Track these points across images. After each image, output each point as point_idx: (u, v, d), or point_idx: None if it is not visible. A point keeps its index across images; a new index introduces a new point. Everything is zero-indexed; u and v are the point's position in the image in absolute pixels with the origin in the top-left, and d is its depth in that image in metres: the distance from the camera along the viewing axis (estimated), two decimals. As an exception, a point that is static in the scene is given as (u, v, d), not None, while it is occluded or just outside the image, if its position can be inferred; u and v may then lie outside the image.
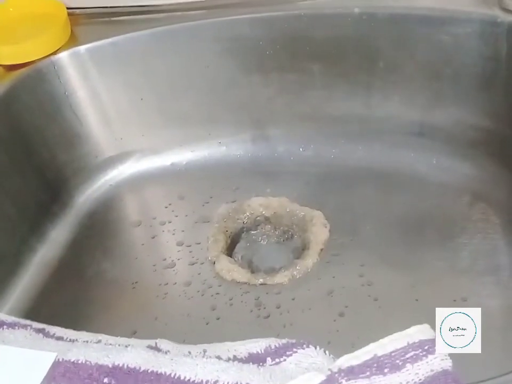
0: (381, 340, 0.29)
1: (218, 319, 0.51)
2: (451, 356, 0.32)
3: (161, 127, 0.65)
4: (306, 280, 0.53)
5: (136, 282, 0.55)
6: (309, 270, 0.54)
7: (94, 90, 0.61)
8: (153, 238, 0.60)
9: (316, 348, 0.31)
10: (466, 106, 0.57)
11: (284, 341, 0.31)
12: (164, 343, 0.34)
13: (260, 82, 0.62)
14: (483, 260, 0.51)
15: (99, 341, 0.34)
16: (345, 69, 0.59)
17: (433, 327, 0.46)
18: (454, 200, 0.58)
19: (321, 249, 0.56)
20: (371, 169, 0.62)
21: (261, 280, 0.54)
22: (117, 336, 0.49)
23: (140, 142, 0.66)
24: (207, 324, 0.51)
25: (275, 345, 0.31)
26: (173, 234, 0.60)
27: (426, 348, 0.28)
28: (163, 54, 0.61)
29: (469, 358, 0.44)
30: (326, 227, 0.58)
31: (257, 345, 0.31)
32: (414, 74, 0.57)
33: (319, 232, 0.57)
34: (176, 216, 0.62)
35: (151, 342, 0.34)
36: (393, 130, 0.61)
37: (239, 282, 0.54)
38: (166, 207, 0.63)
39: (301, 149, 0.65)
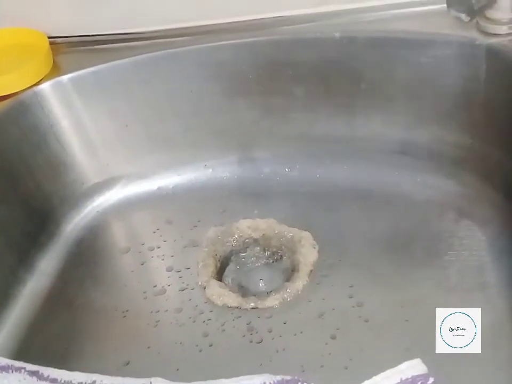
0: (374, 377, 0.29)
1: (211, 345, 0.51)
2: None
3: (147, 152, 0.66)
4: (297, 303, 0.53)
5: (127, 311, 0.55)
6: (299, 293, 0.54)
7: (78, 119, 0.61)
8: (142, 264, 0.60)
9: (311, 386, 0.31)
10: (447, 125, 0.58)
11: (279, 377, 0.31)
12: (158, 382, 0.34)
13: (244, 106, 0.62)
14: (471, 278, 0.52)
15: (93, 382, 0.34)
16: (328, 91, 0.60)
17: (425, 349, 0.47)
18: (439, 217, 0.58)
19: (311, 271, 0.56)
20: (356, 188, 0.62)
21: (252, 304, 0.54)
22: (110, 368, 0.50)
23: (126, 168, 0.66)
24: (200, 351, 0.51)
25: (270, 383, 0.31)
26: (162, 260, 0.60)
27: (419, 383, 0.29)
28: (146, 81, 0.62)
29: (460, 378, 0.45)
30: (314, 248, 0.58)
31: (251, 383, 0.31)
32: (395, 95, 0.58)
33: (308, 253, 0.57)
34: (165, 241, 0.62)
35: (146, 381, 0.34)
36: (377, 149, 0.61)
37: (230, 307, 0.54)
38: (154, 232, 0.63)
39: (286, 169, 0.65)
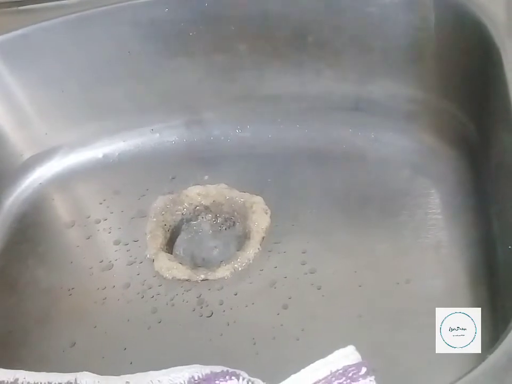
0: (302, 370, 0.27)
1: (159, 322, 0.49)
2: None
3: (88, 119, 0.62)
4: (248, 273, 0.51)
5: (72, 289, 0.53)
6: (251, 262, 0.52)
7: (7, 88, 0.57)
8: (88, 238, 0.57)
9: (239, 379, 0.29)
10: (399, 79, 0.55)
11: (208, 370, 0.29)
12: (85, 377, 0.31)
13: (187, 66, 0.59)
14: (424, 238, 0.51)
15: (16, 380, 0.31)
16: (274, 47, 0.57)
17: (377, 314, 0.46)
18: (394, 175, 0.56)
19: (263, 238, 0.54)
20: (310, 148, 0.60)
21: (202, 276, 0.52)
22: (56, 350, 0.48)
23: (66, 136, 0.62)
24: (148, 328, 0.49)
25: (198, 376, 0.29)
26: (109, 232, 0.57)
27: (350, 375, 0.27)
28: (80, 42, 0.58)
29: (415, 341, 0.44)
30: (266, 213, 0.56)
31: (180, 375, 0.29)
32: (344, 49, 0.55)
33: (260, 220, 0.55)
34: (112, 212, 0.59)
35: (71, 378, 0.31)
36: (329, 106, 0.59)
37: (180, 280, 0.52)
38: (101, 204, 0.60)
39: (237, 131, 0.62)
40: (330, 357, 0.28)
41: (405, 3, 0.51)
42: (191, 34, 0.56)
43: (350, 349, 0.29)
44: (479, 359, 0.32)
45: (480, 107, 0.50)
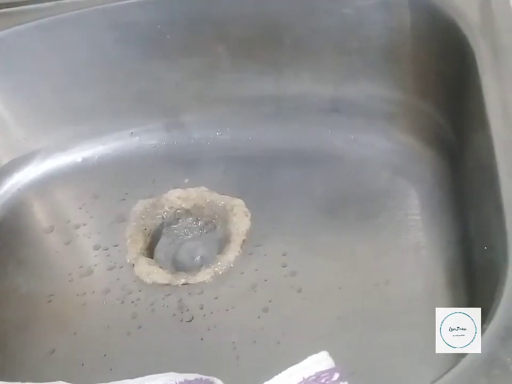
0: (275, 376, 0.27)
1: (140, 327, 0.49)
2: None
3: (66, 123, 0.62)
4: (229, 276, 0.51)
5: (51, 295, 0.53)
6: (232, 265, 0.52)
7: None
8: (67, 244, 0.57)
9: (213, 388, 0.29)
10: (376, 80, 0.55)
11: (182, 378, 0.29)
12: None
13: (165, 68, 0.59)
14: (403, 239, 0.51)
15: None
16: (252, 49, 0.57)
17: (356, 316, 0.46)
18: (374, 176, 0.57)
19: (243, 241, 0.54)
20: (289, 150, 0.60)
21: (182, 280, 0.52)
22: (35, 358, 0.48)
23: (44, 141, 0.62)
24: (128, 334, 0.49)
25: (173, 384, 0.29)
26: (89, 237, 0.57)
27: (323, 381, 0.27)
28: (55, 46, 0.57)
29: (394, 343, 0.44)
30: (247, 216, 0.56)
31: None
32: (321, 50, 0.55)
33: (241, 222, 0.55)
34: (91, 217, 0.58)
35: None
36: (308, 108, 0.59)
37: (160, 284, 0.52)
38: (80, 208, 0.59)
39: (217, 133, 0.62)
40: (303, 363, 0.28)
41: (381, 5, 0.51)
42: (168, 36, 0.56)
43: (323, 354, 0.29)
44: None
45: (456, 108, 0.51)
